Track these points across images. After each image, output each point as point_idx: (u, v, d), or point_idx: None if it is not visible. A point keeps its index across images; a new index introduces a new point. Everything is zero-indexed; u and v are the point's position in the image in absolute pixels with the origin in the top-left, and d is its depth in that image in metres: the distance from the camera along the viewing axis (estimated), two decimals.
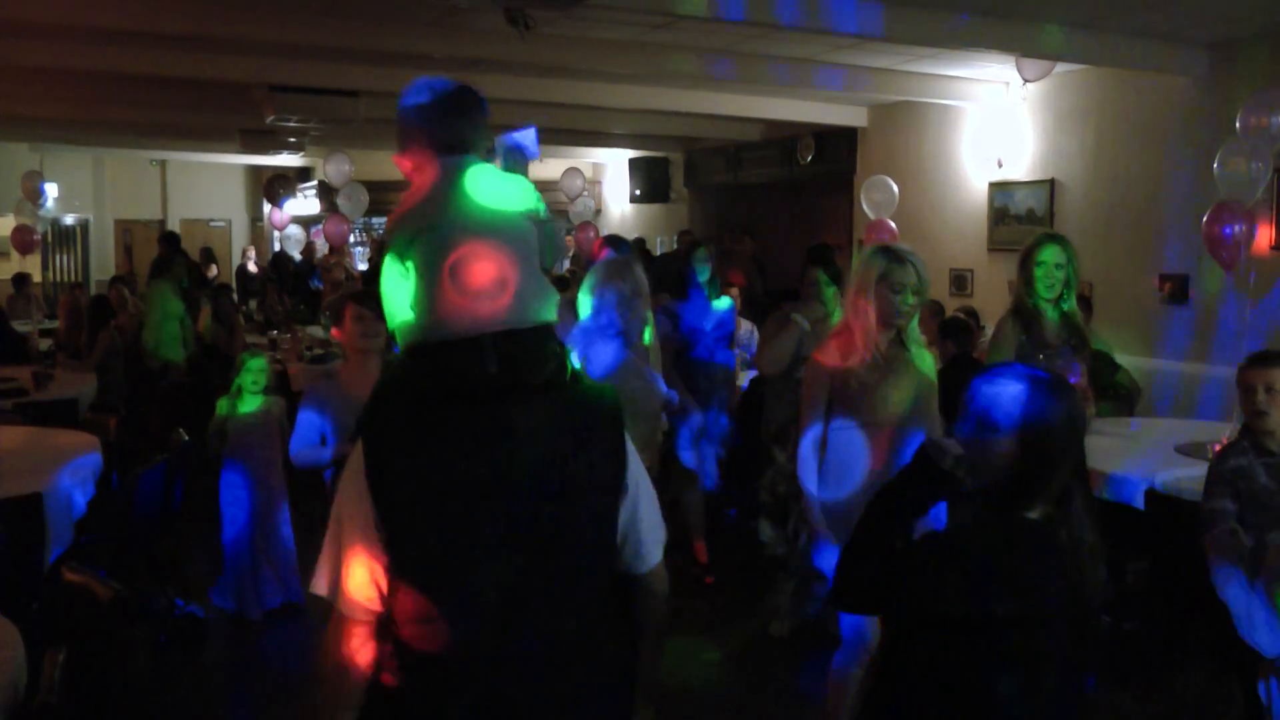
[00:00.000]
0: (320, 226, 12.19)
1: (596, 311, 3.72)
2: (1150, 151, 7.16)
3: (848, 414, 3.20)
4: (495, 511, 1.65)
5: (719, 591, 5.27)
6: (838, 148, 10.40)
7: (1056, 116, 7.84)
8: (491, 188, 1.81)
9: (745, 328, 6.59)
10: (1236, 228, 4.99)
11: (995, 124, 8.33)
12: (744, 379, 6.17)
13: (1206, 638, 3.76)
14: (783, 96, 9.08)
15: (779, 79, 7.74)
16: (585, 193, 11.56)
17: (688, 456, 5.33)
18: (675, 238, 12.22)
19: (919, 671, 1.84)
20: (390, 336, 1.85)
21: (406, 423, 1.67)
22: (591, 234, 10.32)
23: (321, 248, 13.27)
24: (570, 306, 3.90)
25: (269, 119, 8.75)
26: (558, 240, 2.05)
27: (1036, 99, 7.85)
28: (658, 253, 12.37)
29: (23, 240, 9.79)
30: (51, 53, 6.97)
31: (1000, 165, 8.26)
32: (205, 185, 17.27)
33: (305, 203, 14.87)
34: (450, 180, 1.80)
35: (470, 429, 1.66)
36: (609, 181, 15.47)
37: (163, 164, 16.71)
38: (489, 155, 1.91)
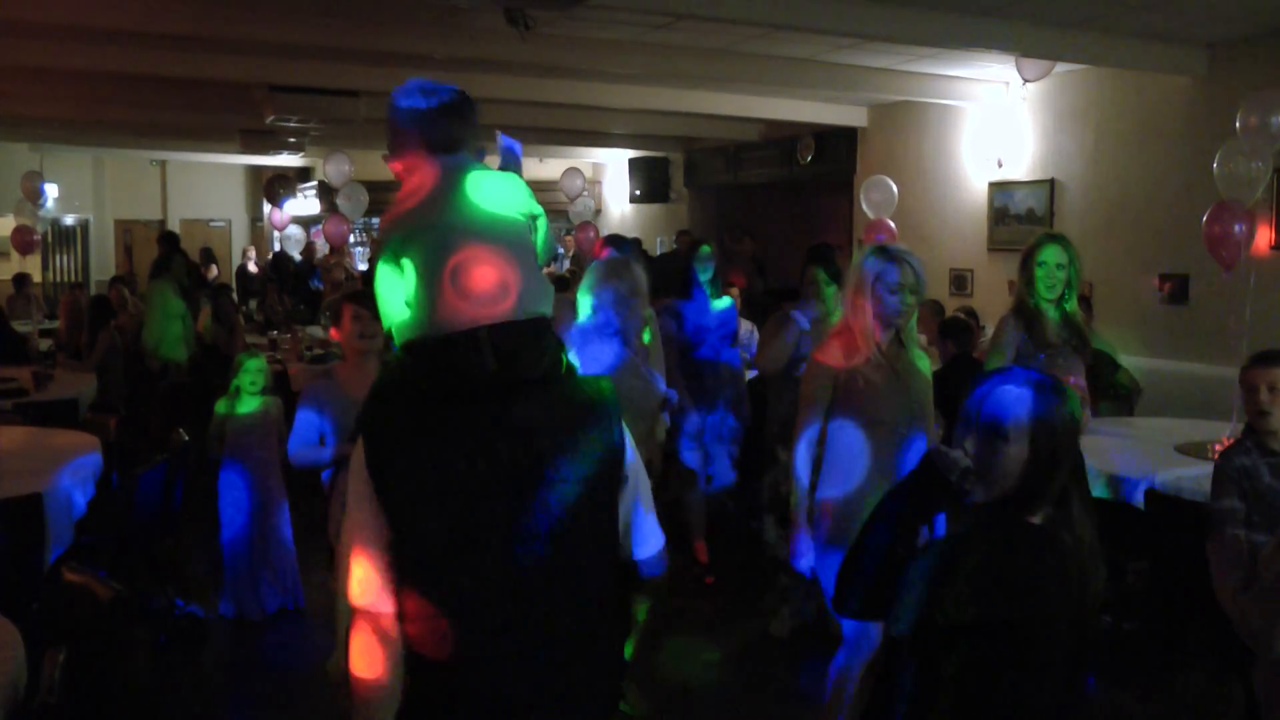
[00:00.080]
0: (320, 226, 12.20)
1: (594, 311, 3.74)
2: (1150, 151, 7.16)
3: (850, 413, 3.21)
4: (498, 507, 1.66)
5: (719, 591, 5.27)
6: (838, 148, 10.40)
7: (1056, 116, 7.84)
8: (490, 189, 1.82)
9: (745, 328, 6.59)
10: (1236, 228, 4.99)
11: (995, 124, 8.33)
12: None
13: (1206, 638, 3.76)
14: (783, 96, 9.08)
15: (779, 79, 7.74)
16: (585, 193, 11.55)
17: (689, 456, 5.33)
18: (675, 238, 12.23)
19: (921, 675, 1.84)
20: (388, 336, 1.85)
21: (407, 421, 1.68)
22: (591, 234, 10.31)
23: (321, 248, 13.27)
24: (570, 306, 3.92)
25: (269, 119, 8.75)
26: (550, 236, 2.03)
27: (1036, 99, 7.85)
28: (656, 253, 12.36)
29: (23, 240, 9.79)
30: (51, 53, 6.97)
31: (1000, 165, 8.26)
32: (205, 185, 17.27)
33: (305, 203, 14.87)
34: (449, 181, 1.81)
35: (471, 426, 1.67)
36: (609, 181, 15.47)
37: (163, 164, 16.72)
38: (480, 155, 1.91)
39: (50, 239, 15.51)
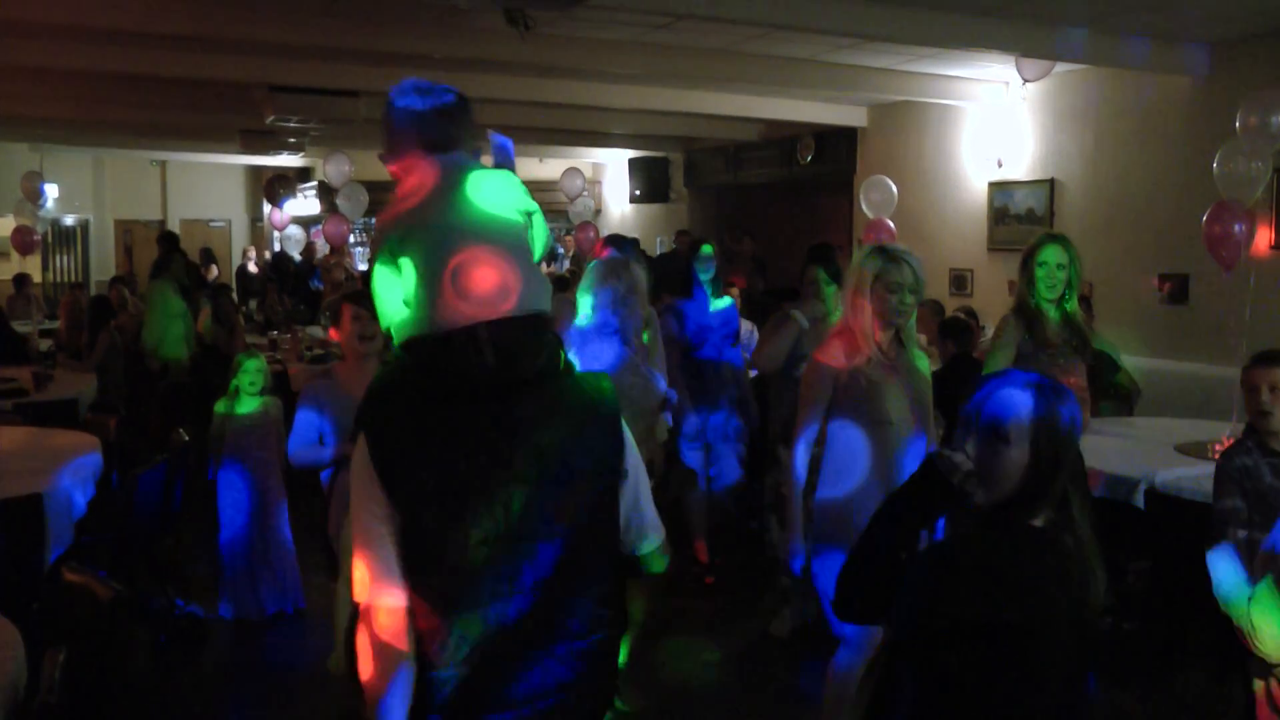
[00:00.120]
0: (320, 227, 12.19)
1: (593, 310, 3.75)
2: (1150, 151, 7.16)
3: (851, 413, 3.21)
4: (502, 504, 1.67)
5: (719, 591, 5.27)
6: (838, 148, 10.40)
7: (1056, 116, 7.84)
8: (490, 189, 1.82)
9: (745, 328, 6.59)
10: (1236, 228, 4.99)
11: (995, 124, 8.33)
12: None
13: (1206, 638, 3.76)
14: (783, 96, 9.08)
15: (779, 79, 7.74)
16: (585, 193, 11.54)
17: (690, 457, 5.33)
18: (674, 238, 12.22)
19: (923, 678, 1.84)
20: (387, 335, 1.85)
21: (408, 420, 1.68)
22: (591, 234, 10.31)
23: (322, 248, 13.26)
24: (570, 306, 3.93)
25: (269, 119, 8.75)
26: (546, 231, 2.03)
27: (1036, 99, 7.85)
28: (656, 253, 12.35)
29: (23, 240, 9.79)
30: (51, 53, 6.98)
31: (1000, 165, 8.26)
32: (205, 185, 17.27)
33: (305, 203, 14.87)
34: (449, 181, 1.81)
35: (472, 424, 1.68)
36: (609, 181, 15.47)
37: (163, 164, 16.72)
38: (476, 154, 1.92)
39: (50, 239, 15.51)
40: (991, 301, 8.06)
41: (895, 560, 1.89)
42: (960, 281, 8.77)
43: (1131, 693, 3.99)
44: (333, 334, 4.10)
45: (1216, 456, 3.46)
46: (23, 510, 3.78)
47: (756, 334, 6.28)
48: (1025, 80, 7.03)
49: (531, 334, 1.75)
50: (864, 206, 8.27)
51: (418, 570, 1.67)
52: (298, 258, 13.45)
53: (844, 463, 3.22)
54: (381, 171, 2.03)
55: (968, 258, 8.69)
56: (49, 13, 5.84)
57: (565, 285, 7.59)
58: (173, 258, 8.73)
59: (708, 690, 4.26)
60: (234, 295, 10.51)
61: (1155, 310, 7.09)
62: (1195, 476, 3.89)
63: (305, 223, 14.24)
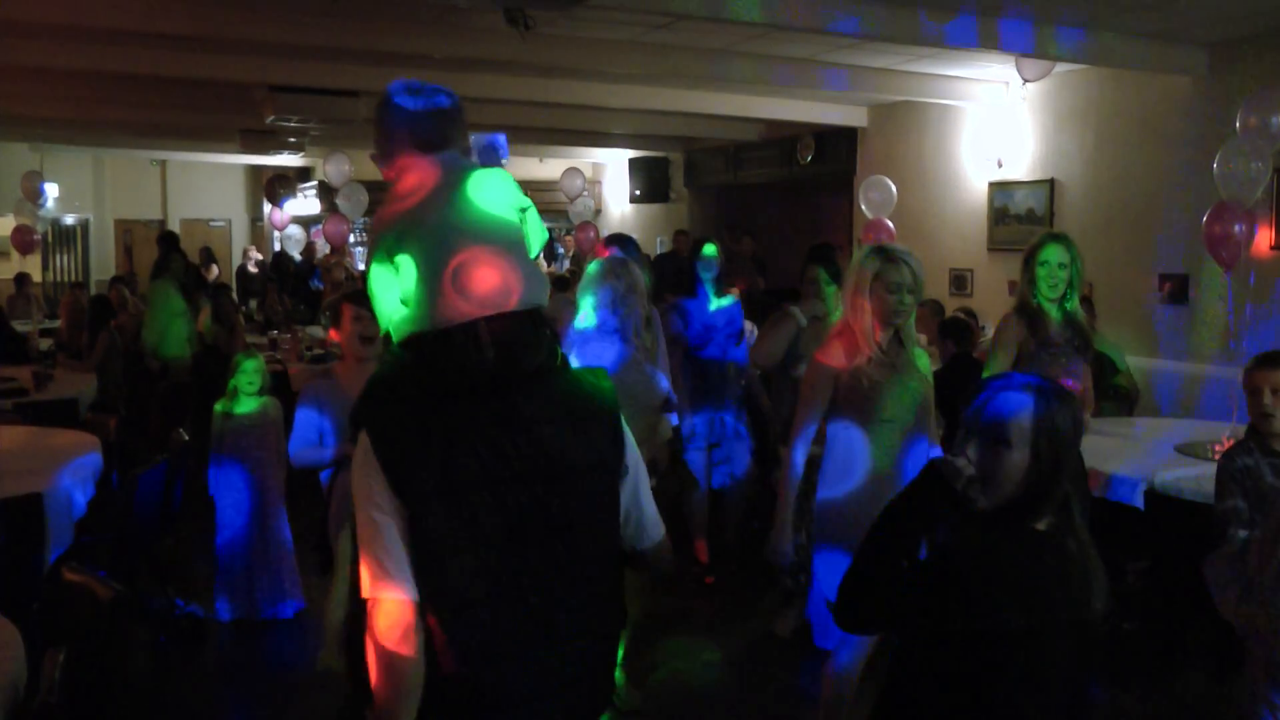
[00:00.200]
0: (320, 226, 12.20)
1: (592, 310, 3.76)
2: (1150, 151, 7.16)
3: (853, 413, 3.20)
4: (502, 501, 1.67)
5: (719, 591, 5.27)
6: (838, 148, 10.40)
7: (1056, 116, 7.84)
8: (489, 188, 1.82)
9: (745, 328, 6.59)
10: (1236, 228, 4.99)
11: (995, 124, 8.33)
12: None
13: (1206, 638, 3.76)
14: (783, 96, 9.08)
15: (779, 79, 7.74)
16: (585, 193, 11.55)
17: (693, 457, 5.33)
18: (672, 237, 12.23)
19: (926, 681, 1.83)
20: (385, 334, 1.85)
21: (410, 418, 1.68)
22: (591, 234, 10.31)
23: (322, 248, 13.27)
24: (570, 306, 3.94)
25: (269, 119, 8.75)
26: (540, 225, 2.05)
27: (1036, 99, 7.85)
28: (656, 253, 12.35)
29: (23, 240, 9.80)
30: (51, 53, 6.97)
31: (1000, 165, 8.26)
32: (205, 185, 17.27)
33: (305, 203, 14.87)
34: (449, 180, 1.81)
35: (473, 420, 1.68)
36: (609, 181, 15.47)
37: (163, 164, 16.72)
38: (467, 153, 1.92)
39: (50, 239, 15.51)
40: (991, 301, 8.06)
41: (897, 567, 1.89)
42: (960, 281, 8.77)
43: (1131, 693, 3.99)
44: (332, 334, 4.08)
45: (1216, 457, 3.46)
46: (23, 510, 3.79)
47: (756, 334, 6.28)
48: (1025, 80, 7.04)
49: (531, 329, 1.75)
50: (863, 206, 8.27)
51: (419, 567, 1.67)
52: (298, 258, 13.46)
53: (845, 463, 3.22)
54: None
55: (968, 258, 8.70)
56: (49, 13, 5.84)
57: (565, 285, 7.60)
58: (172, 258, 8.73)
59: (708, 690, 4.26)
60: (233, 295, 10.51)
61: (1155, 310, 7.09)
62: (1195, 477, 3.89)
63: (305, 223, 14.25)
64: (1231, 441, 3.53)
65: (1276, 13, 5.86)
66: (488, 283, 1.71)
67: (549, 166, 13.99)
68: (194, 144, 13.79)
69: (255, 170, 16.86)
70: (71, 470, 4.21)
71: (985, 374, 3.89)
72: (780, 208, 12.63)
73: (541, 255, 2.05)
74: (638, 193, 13.90)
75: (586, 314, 3.80)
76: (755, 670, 4.44)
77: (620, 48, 6.95)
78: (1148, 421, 5.38)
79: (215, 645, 4.70)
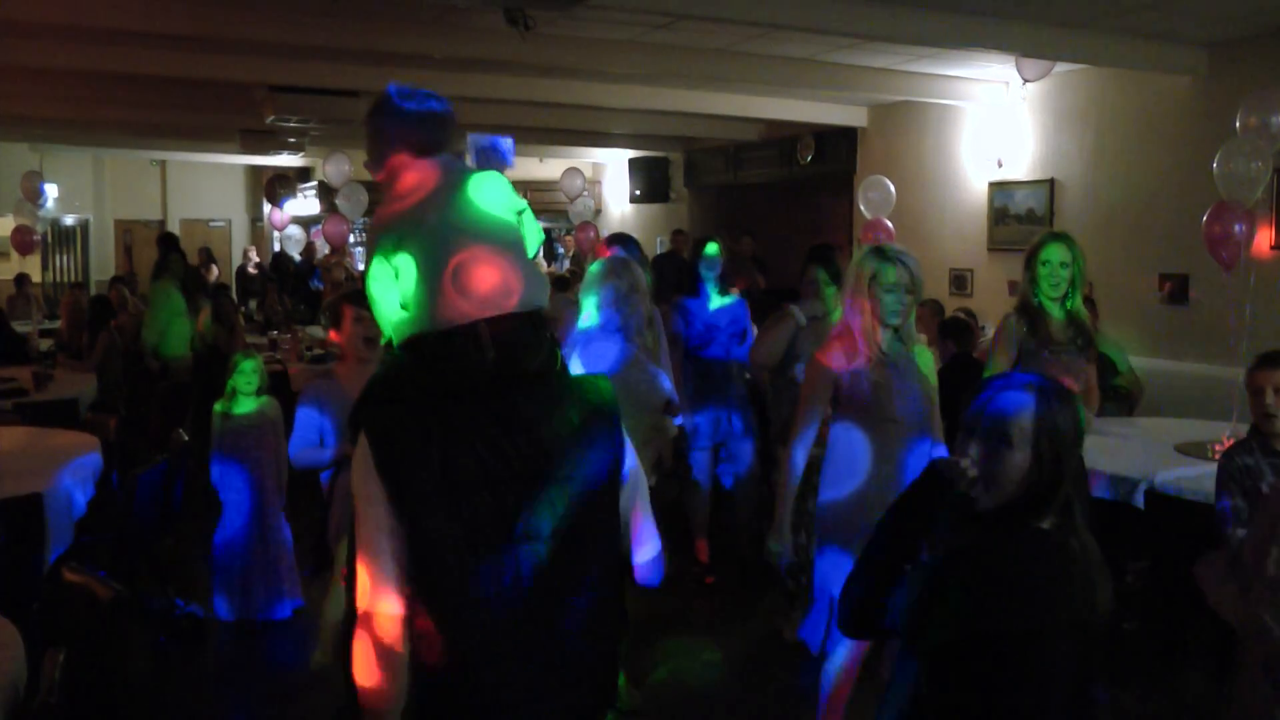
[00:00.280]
0: (320, 226, 12.19)
1: (595, 310, 3.77)
2: (1150, 151, 7.16)
3: (855, 413, 3.20)
4: (504, 503, 1.66)
5: (719, 591, 5.27)
6: (838, 148, 10.40)
7: (1056, 116, 7.84)
8: (488, 190, 1.83)
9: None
10: (1236, 228, 4.99)
11: (995, 124, 8.33)
12: None
13: (1206, 638, 3.76)
14: (783, 96, 9.08)
15: (779, 79, 7.74)
16: (585, 193, 11.54)
17: (696, 457, 5.33)
18: (670, 237, 12.22)
19: (929, 683, 1.83)
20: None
21: (410, 419, 1.68)
22: (591, 234, 10.31)
23: (322, 248, 13.26)
24: (570, 306, 3.94)
25: (269, 119, 8.75)
26: (536, 225, 2.07)
27: (1036, 99, 7.85)
28: (655, 253, 12.34)
29: (23, 240, 9.79)
30: (51, 53, 6.97)
31: (1000, 165, 8.26)
32: (205, 185, 17.27)
33: (305, 203, 14.87)
34: (449, 182, 1.81)
35: (475, 422, 1.67)
36: (609, 181, 15.47)
37: (163, 164, 16.71)
38: (460, 155, 1.93)
39: (50, 239, 15.50)
40: (991, 301, 8.06)
41: (899, 570, 1.88)
42: (960, 281, 8.77)
43: (1131, 693, 3.99)
44: (332, 335, 4.06)
45: (1217, 456, 3.46)
46: (23, 510, 3.78)
47: (755, 334, 6.28)
48: (1025, 80, 7.04)
49: (531, 330, 1.76)
50: (863, 207, 8.27)
51: (420, 568, 1.67)
52: (298, 258, 13.46)
53: (847, 464, 3.22)
54: None
55: (968, 258, 8.70)
56: (49, 13, 5.84)
57: (566, 285, 7.59)
58: (171, 258, 8.74)
59: (708, 690, 4.26)
60: (233, 295, 10.51)
61: (1155, 310, 7.09)
62: (1195, 476, 3.89)
63: (305, 223, 14.25)
64: (1231, 441, 3.53)
65: (1276, 13, 5.86)
66: (488, 282, 1.71)
67: (549, 166, 13.98)
68: (194, 144, 13.79)
69: (255, 170, 16.85)
70: (71, 470, 4.21)
71: (986, 374, 3.89)
72: (780, 208, 12.63)
73: (540, 254, 2.06)
74: (638, 193, 13.90)
75: (590, 313, 3.81)
76: (755, 670, 4.43)
77: (620, 48, 6.95)
78: (1148, 421, 5.38)
79: (215, 645, 4.69)
